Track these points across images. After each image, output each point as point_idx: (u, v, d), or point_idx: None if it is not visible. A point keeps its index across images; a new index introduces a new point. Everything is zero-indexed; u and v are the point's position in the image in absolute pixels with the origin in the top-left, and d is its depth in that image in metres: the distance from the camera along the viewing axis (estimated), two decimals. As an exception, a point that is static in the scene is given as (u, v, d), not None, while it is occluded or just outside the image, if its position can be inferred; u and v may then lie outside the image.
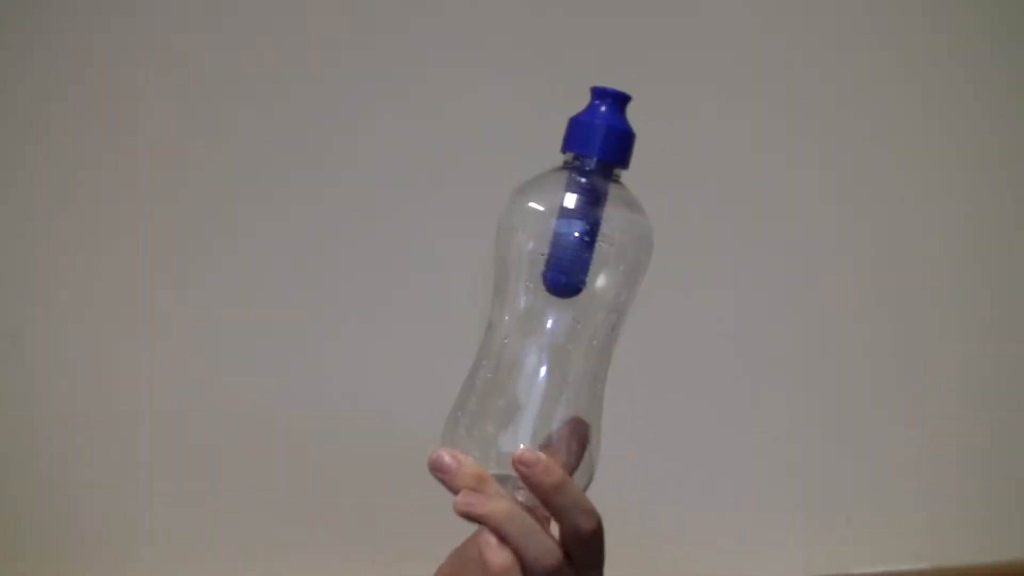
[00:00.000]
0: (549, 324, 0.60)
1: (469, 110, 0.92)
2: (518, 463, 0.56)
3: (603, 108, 0.60)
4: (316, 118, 0.90)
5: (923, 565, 1.09)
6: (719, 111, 0.99)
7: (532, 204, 0.61)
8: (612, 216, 0.59)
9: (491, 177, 0.93)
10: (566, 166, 0.61)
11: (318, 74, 0.89)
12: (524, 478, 0.57)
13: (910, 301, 1.08)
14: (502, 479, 0.58)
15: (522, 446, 0.58)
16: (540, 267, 0.59)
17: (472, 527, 0.58)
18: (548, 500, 0.57)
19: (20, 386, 0.87)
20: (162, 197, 0.87)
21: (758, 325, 1.04)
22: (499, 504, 0.57)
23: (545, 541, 0.57)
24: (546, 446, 0.58)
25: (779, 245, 1.03)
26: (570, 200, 0.59)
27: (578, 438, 0.59)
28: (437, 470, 0.57)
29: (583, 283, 0.59)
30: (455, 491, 0.57)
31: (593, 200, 0.59)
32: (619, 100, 0.61)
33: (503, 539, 0.56)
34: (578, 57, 0.94)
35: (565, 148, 0.61)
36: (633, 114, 0.60)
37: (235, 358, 0.90)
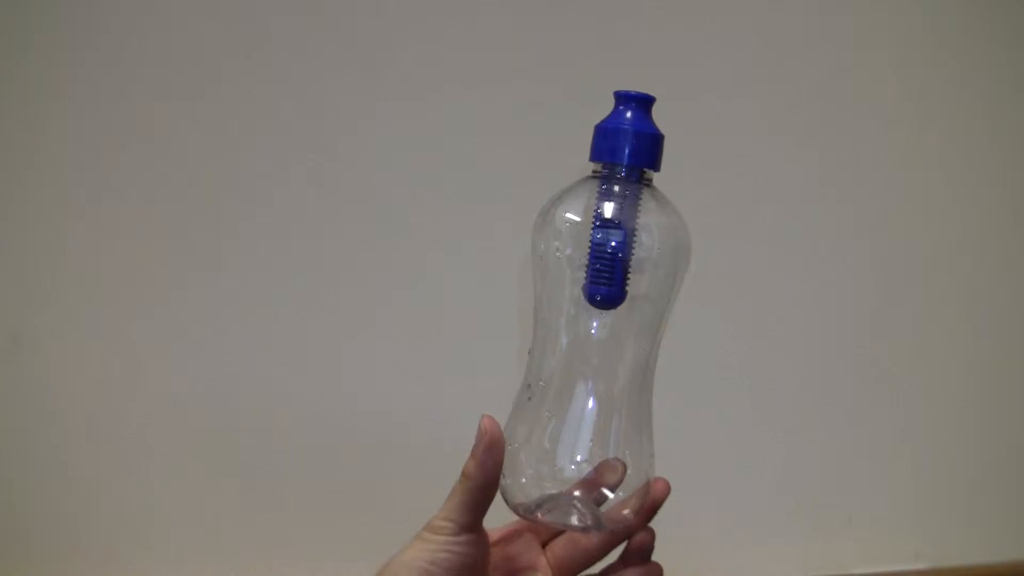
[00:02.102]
0: (592, 337, 0.59)
1: (471, 110, 0.92)
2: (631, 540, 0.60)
3: (628, 113, 0.59)
4: (319, 118, 0.90)
5: (923, 565, 1.10)
6: (718, 112, 0.99)
7: (567, 216, 0.59)
8: (648, 222, 0.59)
9: (493, 178, 0.94)
10: (596, 175, 0.60)
11: (321, 74, 0.89)
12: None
13: (910, 301, 1.08)
14: (555, 497, 0.58)
15: (579, 458, 0.57)
16: (580, 280, 0.58)
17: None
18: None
19: (20, 386, 0.87)
20: (163, 197, 0.87)
21: (758, 325, 1.04)
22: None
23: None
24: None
25: (780, 246, 1.03)
26: (604, 210, 0.58)
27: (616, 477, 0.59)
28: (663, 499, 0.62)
29: (624, 292, 0.58)
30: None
31: (627, 208, 0.58)
32: (643, 103, 0.60)
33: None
34: (580, 57, 0.94)
35: (594, 157, 0.60)
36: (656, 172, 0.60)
37: (236, 358, 0.90)
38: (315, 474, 0.92)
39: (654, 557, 0.64)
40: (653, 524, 0.64)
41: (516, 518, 0.61)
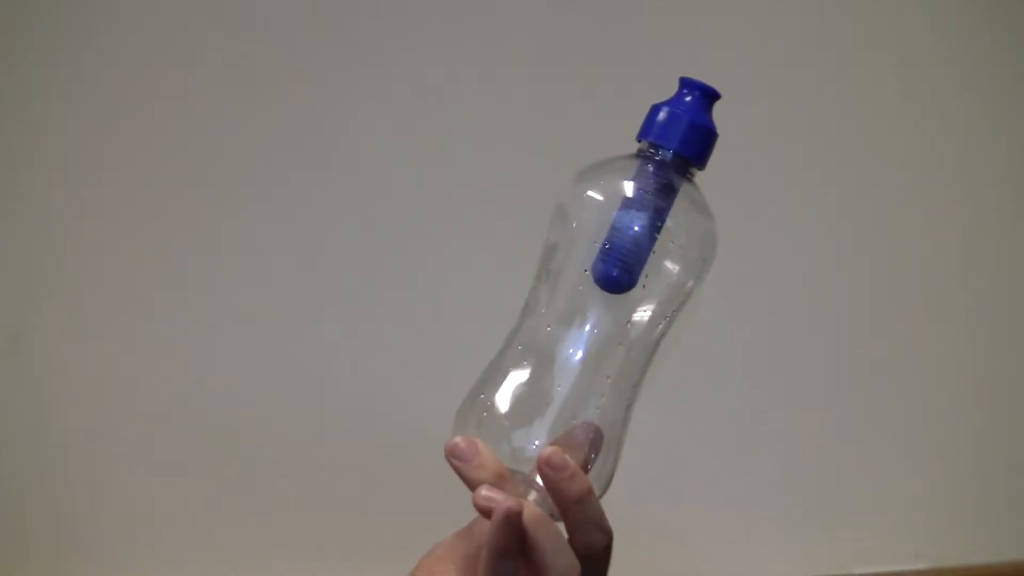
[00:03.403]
0: (592, 319, 0.55)
1: (472, 110, 0.92)
2: (545, 464, 0.51)
3: (689, 100, 0.56)
4: (320, 118, 0.89)
5: (923, 565, 1.09)
6: (718, 112, 0.99)
7: (594, 189, 0.55)
8: (680, 215, 0.54)
9: (494, 178, 0.94)
10: (639, 154, 0.56)
11: (321, 74, 0.89)
12: (547, 481, 0.52)
13: (910, 301, 1.08)
14: (518, 475, 0.53)
15: (546, 446, 0.52)
16: (593, 257, 0.54)
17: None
18: (567, 509, 0.52)
19: (20, 386, 0.86)
20: (163, 197, 0.87)
21: (758, 324, 1.04)
22: (527, 507, 0.51)
23: (570, 555, 0.52)
24: (564, 446, 0.52)
25: (780, 246, 1.03)
26: (635, 190, 0.54)
27: (594, 448, 0.54)
28: (452, 456, 0.53)
29: (636, 280, 0.54)
30: (471, 483, 0.52)
31: (663, 194, 0.54)
32: (707, 96, 0.57)
33: (526, 546, 0.51)
34: (581, 57, 0.94)
35: (642, 135, 0.56)
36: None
37: (236, 358, 0.90)
38: (315, 474, 0.92)
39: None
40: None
41: None
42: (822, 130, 1.03)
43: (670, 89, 0.96)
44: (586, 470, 0.54)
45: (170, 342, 0.89)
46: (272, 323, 0.90)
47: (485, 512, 0.50)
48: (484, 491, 0.51)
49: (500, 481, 0.52)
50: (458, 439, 0.53)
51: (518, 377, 0.55)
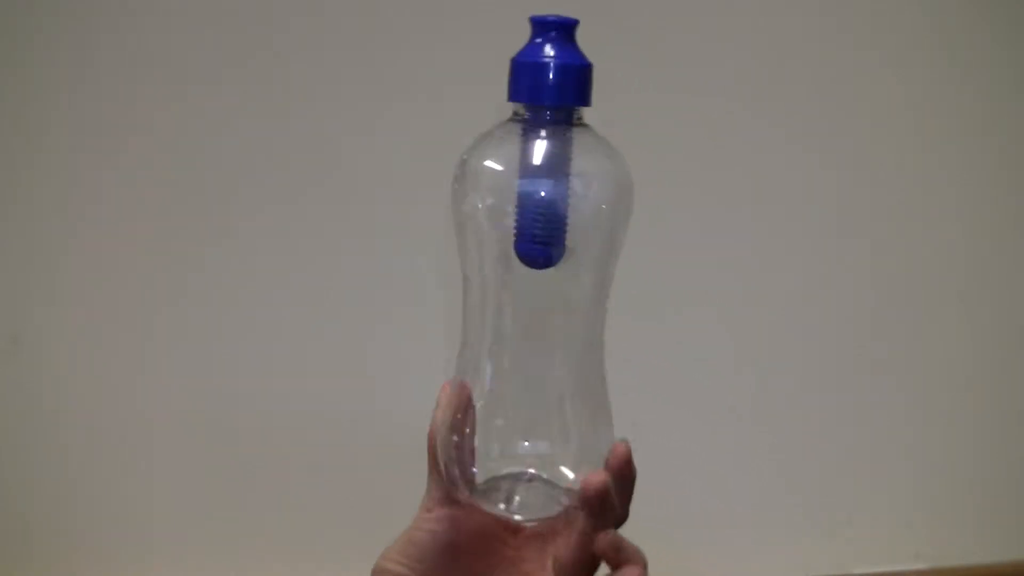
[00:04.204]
0: (530, 300, 0.51)
1: (473, 110, 0.92)
2: (594, 494, 0.49)
3: (548, 43, 0.51)
4: (320, 119, 0.89)
5: (923, 565, 1.09)
6: (718, 112, 0.99)
7: (486, 165, 0.51)
8: (582, 166, 0.50)
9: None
10: (518, 117, 0.51)
11: (320, 74, 0.89)
12: (590, 507, 0.50)
13: (910, 301, 1.08)
14: (514, 476, 0.52)
15: (594, 474, 0.49)
16: (509, 238, 0.50)
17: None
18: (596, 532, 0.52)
19: (20, 386, 0.86)
20: (163, 197, 0.87)
21: (757, 324, 1.04)
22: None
23: None
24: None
25: (780, 247, 1.03)
26: (531, 156, 0.50)
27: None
28: (628, 462, 0.51)
29: (560, 248, 0.50)
30: (603, 526, 0.51)
31: (557, 153, 0.50)
32: (564, 29, 0.51)
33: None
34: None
35: (514, 97, 0.51)
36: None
37: (236, 358, 0.90)
38: (315, 474, 0.92)
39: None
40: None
41: None
42: (822, 130, 1.03)
43: (677, 89, 0.96)
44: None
45: (170, 342, 0.89)
46: (272, 323, 0.90)
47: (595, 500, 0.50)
48: (615, 538, 0.51)
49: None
50: (602, 476, 0.50)
51: (485, 377, 0.52)
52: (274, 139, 0.89)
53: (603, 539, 0.52)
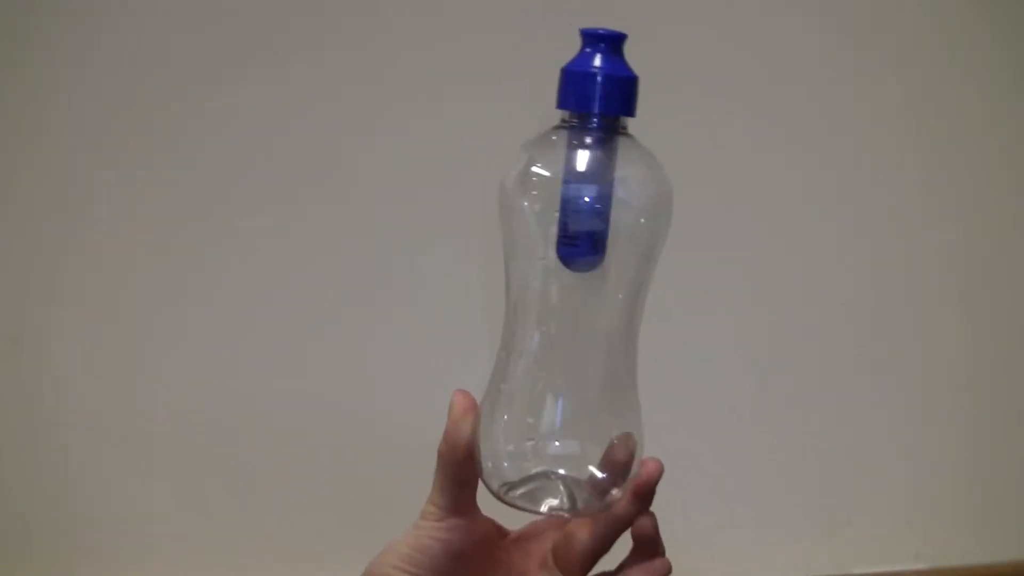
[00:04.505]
0: (571, 303, 0.53)
1: (472, 110, 0.92)
2: (655, 478, 0.55)
3: (598, 54, 0.53)
4: (320, 118, 0.89)
5: (923, 565, 1.10)
6: (717, 112, 0.99)
7: (534, 171, 0.53)
8: (626, 174, 0.53)
9: (495, 177, 0.94)
10: (565, 124, 0.54)
11: (320, 74, 0.89)
12: (644, 492, 0.55)
13: (910, 301, 1.08)
14: (543, 475, 0.53)
15: (558, 438, 0.52)
16: (552, 241, 0.52)
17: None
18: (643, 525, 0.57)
19: (20, 386, 0.87)
20: (163, 197, 0.87)
21: (757, 324, 1.04)
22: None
23: None
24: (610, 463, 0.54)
25: (780, 247, 1.03)
26: (576, 163, 0.52)
27: (632, 454, 0.56)
28: (655, 478, 0.57)
29: (601, 253, 0.52)
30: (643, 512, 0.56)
31: (602, 160, 0.52)
32: (614, 42, 0.54)
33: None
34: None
35: (562, 105, 0.54)
36: (635, 117, 0.56)
37: (237, 358, 0.90)
38: (315, 474, 0.92)
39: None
40: (654, 510, 0.61)
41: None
42: (822, 129, 1.03)
43: (677, 89, 0.96)
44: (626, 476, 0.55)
45: (170, 342, 0.89)
46: (272, 323, 0.90)
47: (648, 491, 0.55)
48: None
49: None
50: (657, 464, 0.56)
51: (521, 381, 0.54)
52: (274, 139, 0.89)
53: (648, 522, 0.57)
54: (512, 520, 0.61)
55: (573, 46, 0.94)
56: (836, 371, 1.07)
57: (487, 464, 0.55)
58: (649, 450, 0.99)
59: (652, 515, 0.58)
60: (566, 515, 0.54)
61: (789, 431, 1.06)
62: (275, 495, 0.92)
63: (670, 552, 0.62)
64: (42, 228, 0.86)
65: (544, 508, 0.53)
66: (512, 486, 0.54)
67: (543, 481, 0.53)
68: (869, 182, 1.05)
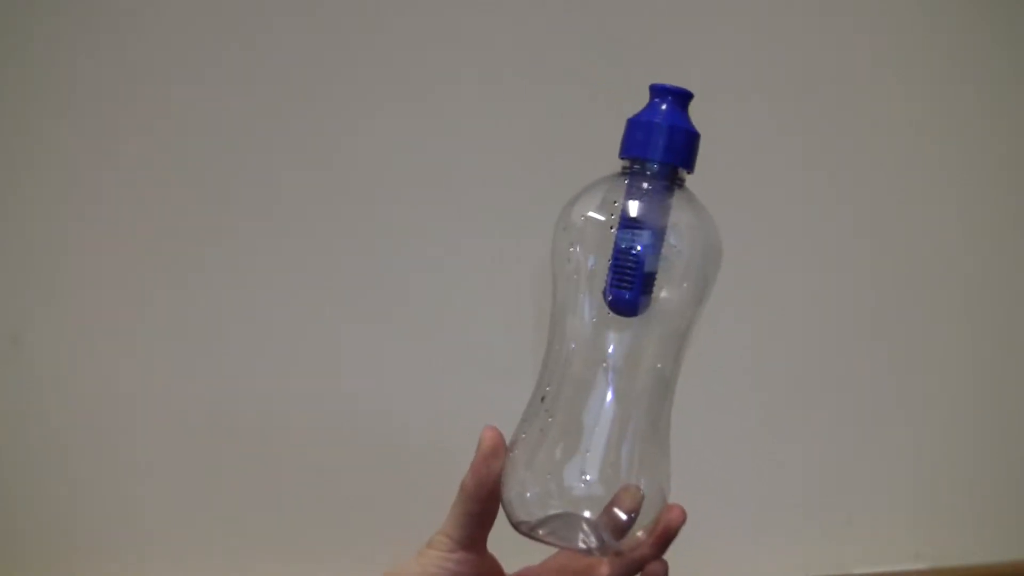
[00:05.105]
0: (612, 346, 0.54)
1: (472, 110, 0.92)
2: (678, 524, 0.57)
3: (664, 107, 0.55)
4: (319, 118, 0.89)
5: (923, 565, 1.10)
6: (718, 112, 0.99)
7: (590, 215, 0.54)
8: (678, 225, 0.54)
9: (496, 177, 0.94)
10: (625, 172, 0.55)
11: (321, 74, 0.89)
12: (667, 537, 0.57)
13: (910, 301, 1.08)
14: (566, 516, 0.54)
15: (589, 477, 0.53)
16: (601, 284, 0.53)
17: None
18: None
19: (20, 386, 0.87)
20: (163, 197, 0.87)
21: (758, 324, 1.04)
22: None
23: None
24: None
25: (780, 247, 1.03)
26: (632, 209, 0.53)
27: (635, 511, 0.55)
28: (673, 533, 0.58)
29: (648, 300, 0.53)
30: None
31: (658, 208, 0.54)
32: (681, 98, 0.56)
33: None
34: (583, 57, 0.94)
35: (625, 153, 0.55)
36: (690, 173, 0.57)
37: (236, 358, 0.90)
38: (315, 474, 0.92)
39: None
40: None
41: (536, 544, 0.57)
42: (822, 130, 1.03)
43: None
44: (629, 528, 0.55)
45: (170, 342, 0.89)
46: (272, 323, 0.90)
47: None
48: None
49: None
50: (680, 511, 0.58)
51: (554, 420, 0.54)
52: (274, 139, 0.89)
53: (660, 568, 0.58)
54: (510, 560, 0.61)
55: (574, 46, 0.94)
56: (836, 371, 1.07)
57: (510, 496, 0.55)
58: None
59: (664, 563, 0.59)
60: (597, 553, 0.55)
61: (789, 431, 1.06)
62: (275, 495, 0.92)
63: (670, 551, 0.62)
64: (42, 228, 0.86)
65: (580, 544, 0.54)
66: (534, 523, 0.54)
67: (567, 519, 0.54)
68: (870, 182, 1.05)
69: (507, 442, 0.56)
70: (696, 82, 0.97)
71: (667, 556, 0.63)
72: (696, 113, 0.96)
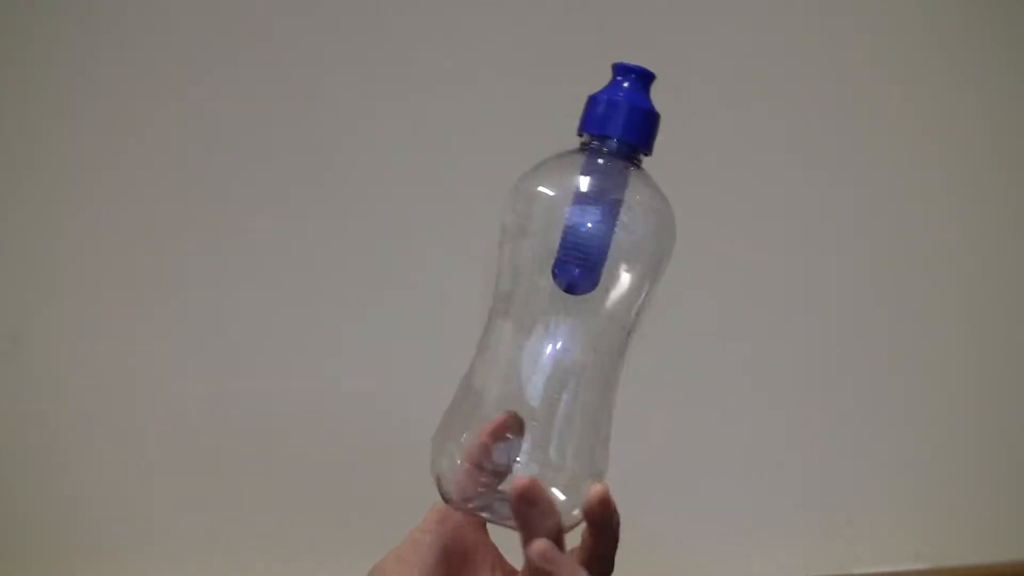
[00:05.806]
0: (558, 325, 0.53)
1: (470, 110, 0.92)
2: (519, 498, 0.48)
3: (625, 85, 0.54)
4: (318, 119, 0.89)
5: (923, 565, 1.09)
6: (719, 113, 0.99)
7: (542, 189, 0.53)
8: (632, 204, 0.52)
9: (494, 176, 0.93)
10: (583, 148, 0.54)
11: (320, 74, 0.89)
12: (519, 516, 0.49)
13: (909, 301, 1.08)
14: (490, 495, 0.52)
15: (522, 477, 0.49)
16: (550, 260, 0.52)
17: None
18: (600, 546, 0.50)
19: (20, 386, 0.86)
20: (163, 197, 0.87)
21: (758, 324, 1.04)
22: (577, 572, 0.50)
23: None
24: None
25: (780, 246, 1.03)
26: (586, 185, 0.52)
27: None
28: (525, 500, 0.49)
29: (598, 278, 0.52)
30: (532, 530, 0.49)
31: (612, 186, 0.52)
32: (643, 78, 0.54)
33: None
34: (582, 58, 0.94)
35: (583, 129, 0.54)
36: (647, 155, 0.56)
37: (236, 358, 0.90)
38: (316, 474, 0.92)
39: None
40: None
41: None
42: (823, 130, 1.03)
43: (677, 90, 0.96)
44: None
45: (170, 342, 0.89)
46: (272, 323, 0.90)
47: (540, 565, 0.48)
48: (547, 552, 0.49)
49: (559, 535, 0.50)
50: (526, 480, 0.49)
51: (490, 397, 0.53)
52: (274, 139, 0.89)
53: (608, 543, 0.52)
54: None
55: (573, 46, 0.94)
56: (836, 371, 1.07)
57: (442, 473, 0.54)
58: (649, 450, 0.99)
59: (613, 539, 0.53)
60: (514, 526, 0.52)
61: (789, 431, 1.05)
62: (275, 495, 0.92)
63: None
64: (42, 228, 0.86)
65: (510, 521, 0.51)
66: (464, 500, 0.53)
67: (492, 497, 0.52)
68: (869, 182, 1.05)
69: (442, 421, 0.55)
70: (696, 82, 0.97)
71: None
72: (696, 113, 0.96)
